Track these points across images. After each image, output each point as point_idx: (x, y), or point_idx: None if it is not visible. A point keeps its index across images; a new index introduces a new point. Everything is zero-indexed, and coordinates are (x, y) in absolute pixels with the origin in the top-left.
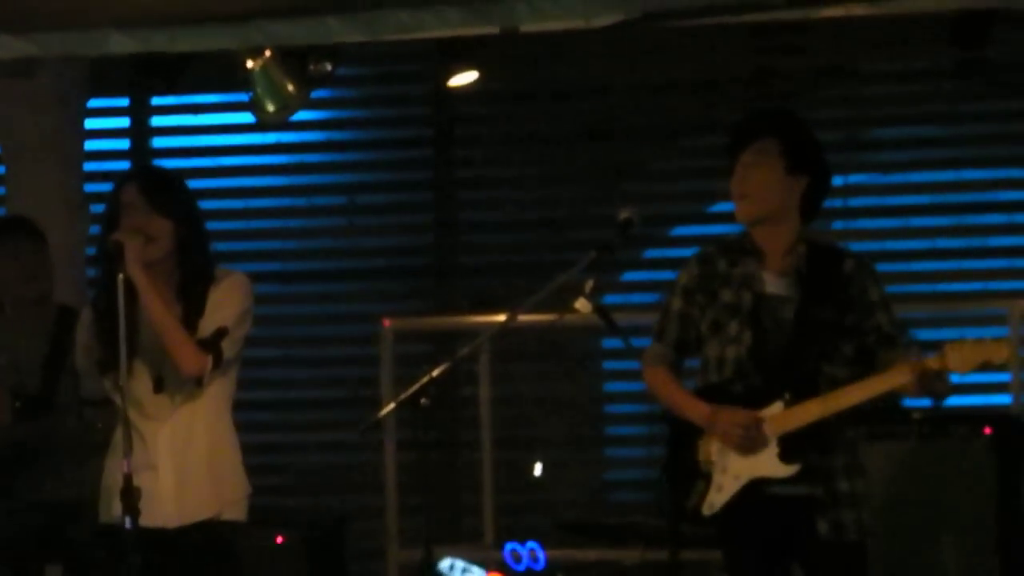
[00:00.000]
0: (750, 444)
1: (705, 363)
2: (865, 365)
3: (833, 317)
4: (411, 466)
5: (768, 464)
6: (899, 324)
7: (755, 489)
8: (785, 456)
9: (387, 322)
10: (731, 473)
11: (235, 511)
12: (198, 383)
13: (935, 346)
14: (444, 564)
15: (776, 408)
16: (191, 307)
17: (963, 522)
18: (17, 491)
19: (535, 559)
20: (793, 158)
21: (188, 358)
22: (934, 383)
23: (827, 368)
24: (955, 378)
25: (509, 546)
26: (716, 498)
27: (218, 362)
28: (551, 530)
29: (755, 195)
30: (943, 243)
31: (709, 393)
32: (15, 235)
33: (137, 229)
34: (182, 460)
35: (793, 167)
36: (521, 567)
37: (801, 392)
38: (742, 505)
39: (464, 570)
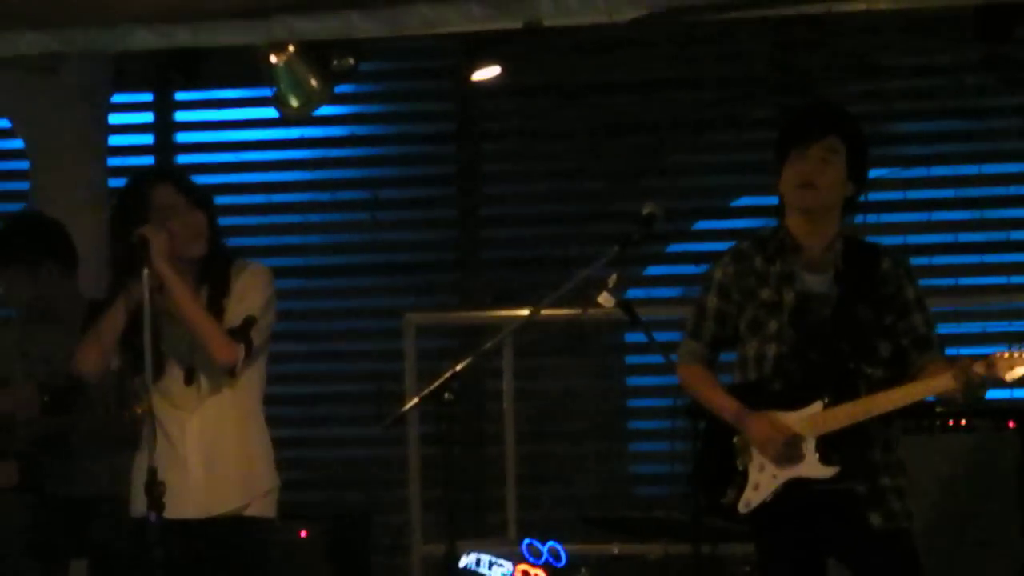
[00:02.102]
0: (787, 460)
1: (743, 360)
2: (900, 366)
3: (871, 316)
4: (434, 460)
5: (808, 465)
6: (933, 325)
7: (793, 487)
8: (825, 458)
9: (410, 316)
10: (769, 472)
11: (264, 505)
12: (231, 373)
13: (957, 340)
14: (469, 559)
15: (815, 408)
16: (216, 297)
17: (988, 514)
18: (45, 485)
19: (557, 558)
20: (854, 165)
21: (221, 348)
22: (976, 390)
23: (866, 368)
24: None
25: (527, 541)
26: (753, 496)
27: (249, 351)
28: (574, 524)
29: (825, 188)
30: (965, 237)
31: (747, 391)
32: (12, 267)
33: (186, 227)
34: (211, 452)
35: (851, 173)
36: (540, 562)
37: (841, 393)
38: (780, 502)
39: (491, 564)
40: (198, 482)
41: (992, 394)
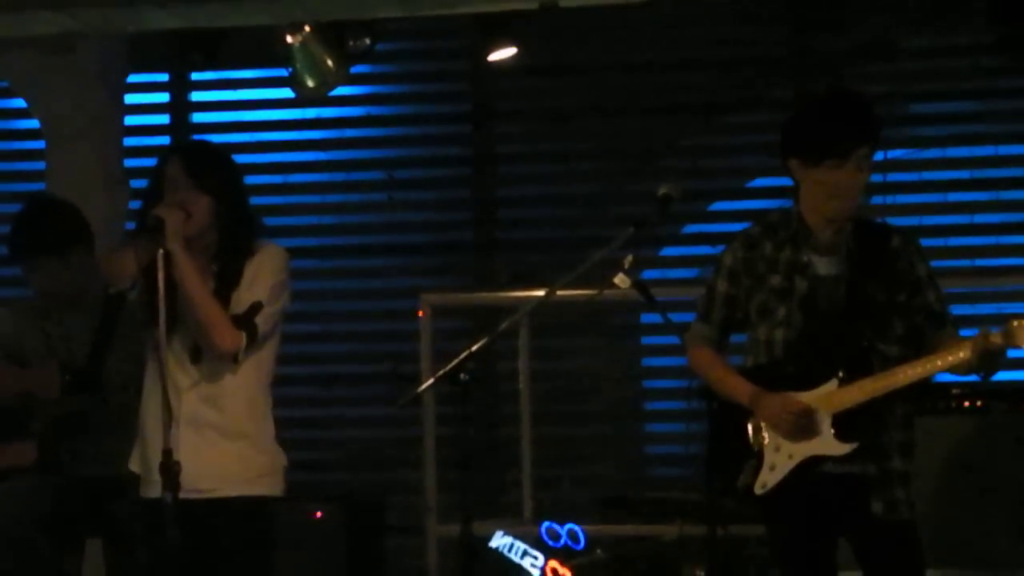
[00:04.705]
0: (802, 433)
1: (754, 344)
2: (914, 343)
3: (884, 295)
4: (450, 441)
5: (824, 443)
6: (945, 301)
7: (808, 467)
8: (841, 435)
9: (427, 297)
10: (784, 452)
11: (267, 484)
12: (233, 360)
13: (973, 321)
14: (503, 542)
15: (830, 386)
16: (224, 282)
17: (1003, 496)
18: (61, 466)
19: (576, 540)
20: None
21: (223, 335)
22: (994, 360)
23: (881, 346)
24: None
25: (546, 524)
26: (768, 477)
27: (252, 338)
28: (590, 505)
29: (858, 198)
30: (981, 218)
31: (760, 373)
32: (45, 256)
33: (179, 204)
34: (200, 429)
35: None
36: (559, 544)
37: (855, 370)
38: (794, 483)
39: (524, 553)
40: (186, 458)
41: (1006, 375)
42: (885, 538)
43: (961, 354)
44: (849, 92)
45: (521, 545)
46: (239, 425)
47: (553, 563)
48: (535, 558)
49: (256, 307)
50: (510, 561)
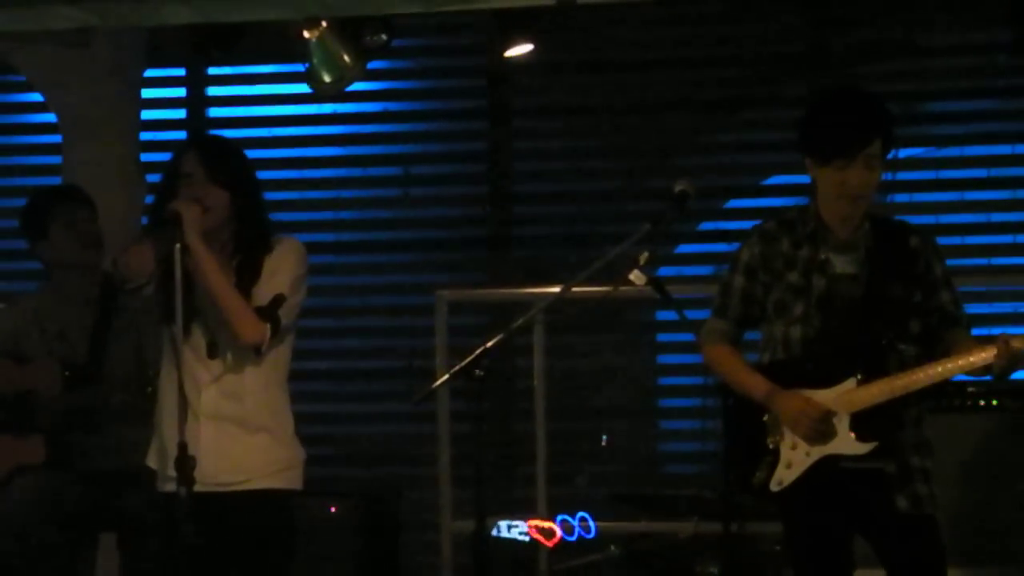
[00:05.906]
0: (819, 437)
1: (770, 340)
2: (929, 343)
3: (902, 294)
4: (465, 437)
5: (842, 442)
6: (959, 301)
7: (824, 465)
8: (860, 435)
9: (442, 293)
10: (801, 449)
11: (286, 478)
12: (257, 352)
13: (990, 320)
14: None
15: (849, 385)
16: (245, 275)
17: (1019, 493)
18: (71, 461)
19: (587, 529)
20: (885, 153)
21: (247, 327)
22: (1018, 365)
23: (900, 346)
24: None
25: (560, 518)
26: (785, 474)
27: (276, 330)
28: (605, 501)
29: (869, 197)
30: (998, 217)
31: (777, 370)
32: (70, 204)
33: (196, 198)
34: (223, 423)
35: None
36: (572, 537)
37: (874, 370)
38: (810, 480)
39: (509, 527)
40: (207, 452)
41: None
42: (910, 533)
43: (984, 355)
44: (858, 90)
45: (503, 523)
46: (260, 419)
47: (534, 521)
48: (517, 526)
49: (279, 299)
50: (513, 541)
